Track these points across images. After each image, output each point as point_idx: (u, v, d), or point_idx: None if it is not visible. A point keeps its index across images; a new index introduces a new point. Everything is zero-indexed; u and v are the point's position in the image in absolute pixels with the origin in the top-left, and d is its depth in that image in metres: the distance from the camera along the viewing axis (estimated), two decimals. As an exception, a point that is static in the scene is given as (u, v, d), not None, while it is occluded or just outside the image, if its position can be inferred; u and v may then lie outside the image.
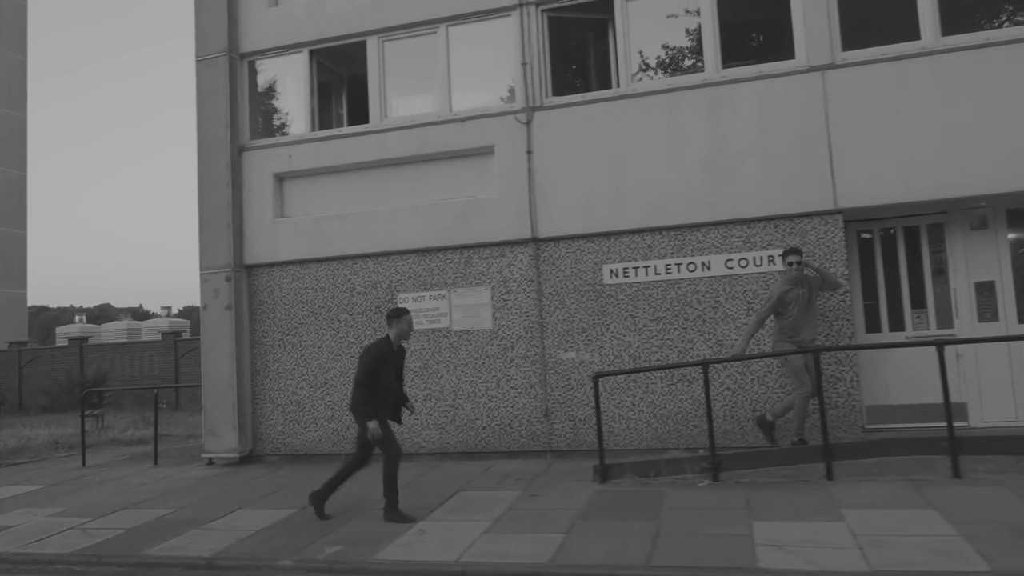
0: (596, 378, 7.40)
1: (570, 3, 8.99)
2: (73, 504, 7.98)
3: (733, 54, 8.49)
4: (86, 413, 13.32)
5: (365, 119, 9.79)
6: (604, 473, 7.24)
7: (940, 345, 6.49)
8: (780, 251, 8.04)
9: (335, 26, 9.78)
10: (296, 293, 9.85)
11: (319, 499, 6.68)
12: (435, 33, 9.46)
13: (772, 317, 7.48)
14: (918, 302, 8.20)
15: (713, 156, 8.31)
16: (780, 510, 5.83)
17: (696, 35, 8.74)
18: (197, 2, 10.30)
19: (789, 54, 8.26)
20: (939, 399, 6.56)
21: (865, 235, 8.46)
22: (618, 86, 8.83)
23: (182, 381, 21.06)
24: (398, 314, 6.62)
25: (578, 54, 9.88)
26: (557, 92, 9.03)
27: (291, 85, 10.34)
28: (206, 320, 9.96)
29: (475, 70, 9.51)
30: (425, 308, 9.21)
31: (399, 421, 6.71)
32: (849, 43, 8.07)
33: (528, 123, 8.94)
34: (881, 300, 8.30)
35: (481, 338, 9.03)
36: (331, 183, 9.89)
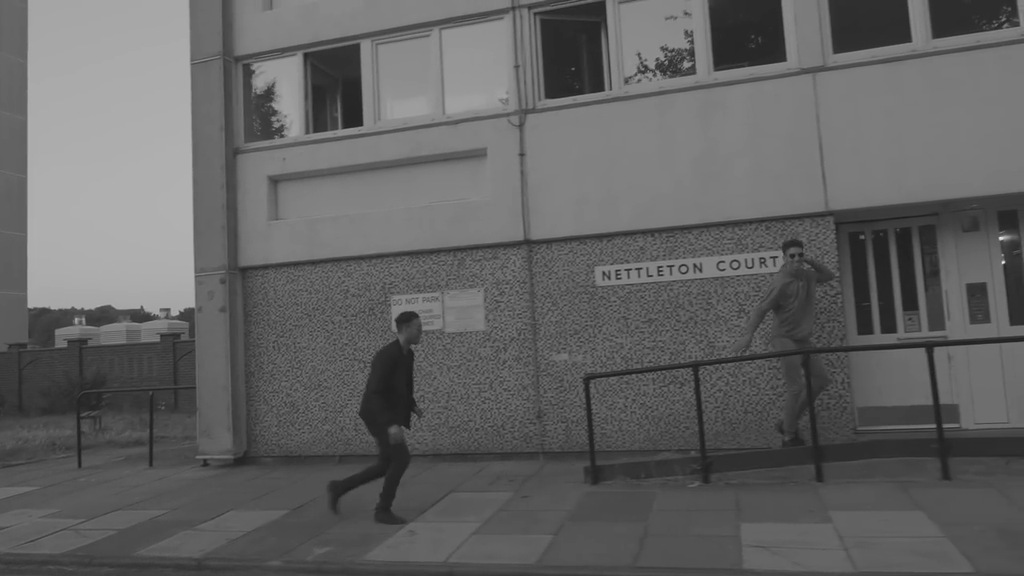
0: (587, 380, 7.42)
1: (562, 6, 9.02)
2: (68, 505, 8.01)
3: (725, 56, 8.52)
4: (83, 415, 13.38)
5: (359, 122, 9.83)
6: (595, 475, 7.26)
7: (930, 347, 6.49)
8: (772, 253, 8.07)
9: (329, 29, 9.82)
10: (290, 295, 9.88)
11: (338, 491, 6.64)
12: (428, 36, 9.49)
13: (771, 312, 7.46)
14: (910, 304, 8.22)
15: (705, 158, 8.34)
16: (768, 511, 5.84)
17: (688, 38, 8.76)
18: (192, 6, 10.34)
19: (780, 56, 8.29)
20: (931, 401, 6.56)
21: (858, 237, 8.48)
22: (610, 88, 8.86)
23: (181, 383, 21.09)
24: (408, 318, 6.57)
25: (570, 57, 9.90)
26: (550, 95, 9.06)
27: (285, 88, 10.38)
28: (201, 322, 9.99)
29: (468, 73, 9.54)
30: (418, 310, 9.15)
31: (408, 426, 6.66)
32: (840, 45, 8.09)
33: (521, 125, 8.97)
34: (873, 302, 8.32)
35: (474, 340, 9.06)
36: (325, 185, 9.92)
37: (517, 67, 9.03)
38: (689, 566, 4.86)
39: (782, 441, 7.55)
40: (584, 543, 5.44)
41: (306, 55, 10.06)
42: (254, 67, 10.44)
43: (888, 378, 8.08)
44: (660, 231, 8.47)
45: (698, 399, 7.03)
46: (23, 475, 10.33)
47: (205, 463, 9.91)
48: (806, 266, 7.46)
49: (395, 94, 9.86)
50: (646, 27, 8.87)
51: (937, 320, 8.10)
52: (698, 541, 5.29)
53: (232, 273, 9.95)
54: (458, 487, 7.55)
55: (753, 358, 7.67)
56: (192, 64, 10.25)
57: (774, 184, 8.10)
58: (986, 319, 7.96)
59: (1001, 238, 8.07)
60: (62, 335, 29.93)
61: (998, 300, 7.95)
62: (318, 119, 10.44)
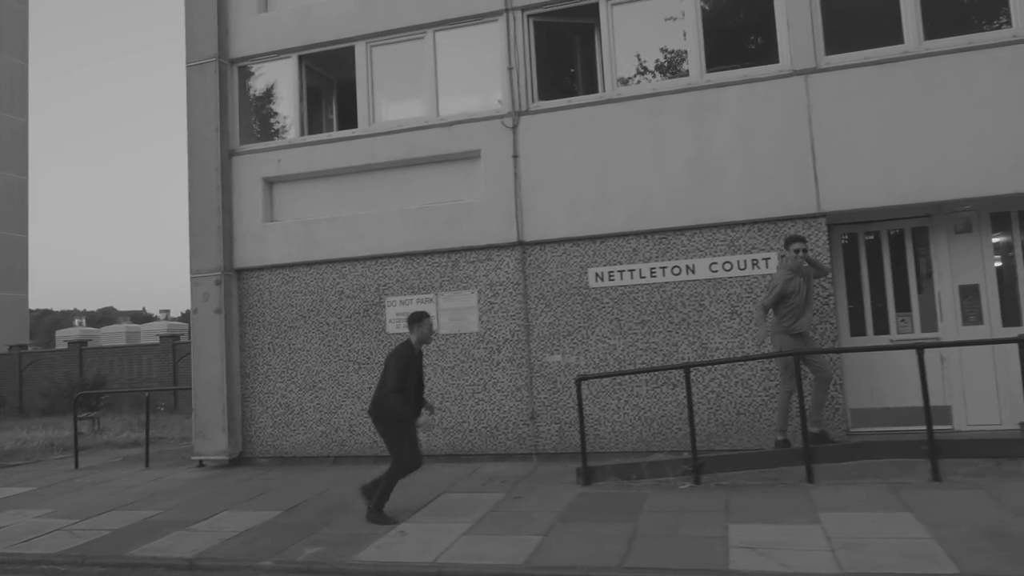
0: (579, 381, 7.44)
1: (556, 8, 9.04)
2: (63, 505, 8.05)
3: (717, 58, 8.53)
4: (82, 416, 13.42)
5: (354, 124, 9.86)
6: (587, 476, 7.27)
7: (920, 348, 6.50)
8: (764, 255, 8.09)
9: (323, 32, 9.85)
10: (285, 296, 9.91)
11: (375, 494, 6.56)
12: (422, 38, 9.52)
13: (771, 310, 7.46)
14: (903, 305, 8.23)
15: (697, 160, 8.35)
16: (758, 512, 5.86)
17: (681, 40, 8.78)
18: (188, 8, 10.38)
19: (773, 58, 8.30)
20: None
21: (850, 238, 8.49)
22: (603, 90, 8.88)
23: (180, 384, 21.10)
24: (419, 318, 6.57)
25: (564, 59, 9.93)
26: (543, 96, 9.08)
27: (281, 90, 10.41)
28: (196, 323, 10.02)
29: (462, 75, 9.57)
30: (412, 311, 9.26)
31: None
32: (832, 47, 8.11)
33: (514, 127, 9.00)
34: (866, 303, 8.33)
35: (468, 341, 9.08)
36: (320, 187, 9.95)
37: (510, 69, 9.05)
38: (676, 567, 4.88)
39: (775, 441, 7.56)
40: (573, 544, 5.46)
41: (301, 57, 10.09)
42: (249, 69, 10.48)
43: (881, 380, 8.09)
44: (653, 233, 8.49)
45: (689, 400, 7.04)
46: (20, 476, 10.37)
47: (201, 464, 9.94)
48: (804, 263, 7.49)
49: (389, 96, 9.89)
50: (639, 29, 8.89)
51: (930, 322, 8.11)
52: (686, 542, 5.31)
53: (227, 275, 9.98)
54: (451, 488, 7.58)
55: (747, 359, 7.69)
56: (187, 66, 10.29)
57: (766, 186, 8.11)
58: (979, 321, 7.96)
59: (994, 240, 8.08)
60: (62, 336, 30.00)
61: (991, 302, 7.95)
62: (313, 121, 10.48)
